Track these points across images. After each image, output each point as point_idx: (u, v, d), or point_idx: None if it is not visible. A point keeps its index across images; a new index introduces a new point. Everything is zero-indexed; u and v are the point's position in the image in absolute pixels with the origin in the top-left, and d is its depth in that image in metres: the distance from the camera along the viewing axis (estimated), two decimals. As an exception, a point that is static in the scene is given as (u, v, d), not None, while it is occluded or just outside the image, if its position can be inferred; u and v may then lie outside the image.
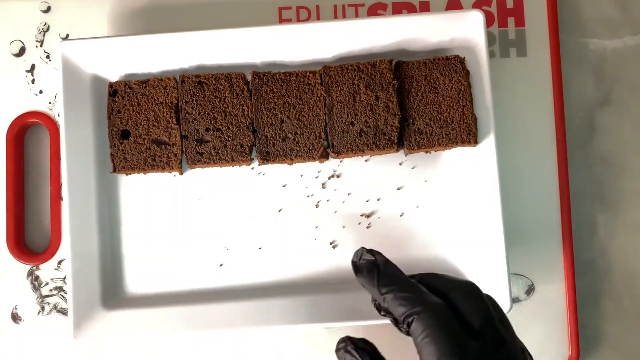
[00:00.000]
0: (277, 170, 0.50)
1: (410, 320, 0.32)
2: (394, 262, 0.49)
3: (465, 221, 0.49)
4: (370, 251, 0.35)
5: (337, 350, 0.34)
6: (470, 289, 0.34)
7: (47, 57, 0.53)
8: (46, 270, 0.52)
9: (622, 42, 0.54)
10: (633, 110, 0.54)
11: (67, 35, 0.53)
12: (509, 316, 0.50)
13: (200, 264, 0.50)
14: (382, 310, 0.34)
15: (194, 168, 0.49)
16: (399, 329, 0.34)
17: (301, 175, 0.50)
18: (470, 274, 0.48)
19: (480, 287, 0.35)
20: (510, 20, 0.53)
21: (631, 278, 0.53)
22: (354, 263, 0.35)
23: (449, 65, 0.48)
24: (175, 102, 0.48)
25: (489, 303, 0.33)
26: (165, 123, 0.48)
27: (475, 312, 0.32)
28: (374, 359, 0.33)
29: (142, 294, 0.50)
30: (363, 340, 0.34)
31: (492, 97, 0.47)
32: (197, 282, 0.50)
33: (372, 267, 0.34)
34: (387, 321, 0.35)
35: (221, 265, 0.50)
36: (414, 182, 0.50)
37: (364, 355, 0.33)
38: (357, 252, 0.35)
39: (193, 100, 0.48)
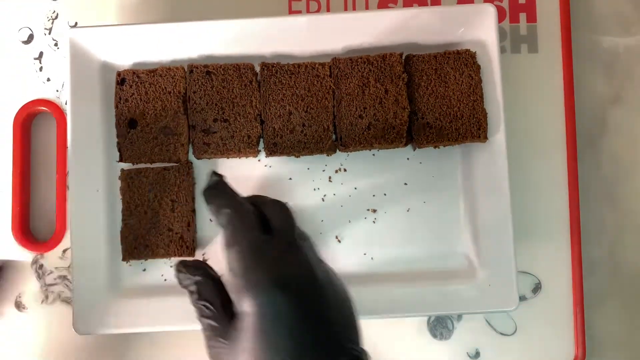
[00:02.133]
0: (284, 163, 0.50)
1: (221, 218, 0.38)
2: (398, 258, 0.49)
3: (473, 218, 0.48)
4: (217, 174, 0.40)
5: (174, 275, 0.39)
6: (281, 204, 0.39)
7: (56, 44, 0.53)
8: (51, 259, 0.52)
9: (635, 40, 0.54)
10: (645, 109, 0.53)
11: (76, 23, 0.53)
12: (515, 314, 0.50)
13: (205, 254, 0.50)
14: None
15: (201, 159, 0.49)
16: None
17: (308, 168, 0.50)
18: (477, 271, 0.48)
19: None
20: (522, 16, 0.53)
21: (639, 277, 0.52)
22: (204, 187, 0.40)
23: (459, 60, 0.47)
24: (183, 91, 0.48)
25: (294, 219, 0.39)
26: (173, 113, 0.48)
27: (278, 219, 0.38)
28: (199, 269, 0.38)
29: (147, 285, 0.49)
30: (194, 260, 0.40)
31: (502, 92, 0.47)
32: (201, 273, 0.49)
33: (213, 186, 0.40)
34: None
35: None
36: (421, 177, 0.50)
37: (189, 269, 0.38)
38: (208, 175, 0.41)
39: (201, 90, 0.48)
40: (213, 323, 0.36)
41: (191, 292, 0.38)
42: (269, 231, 0.37)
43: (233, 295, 0.36)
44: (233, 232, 0.37)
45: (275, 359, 0.32)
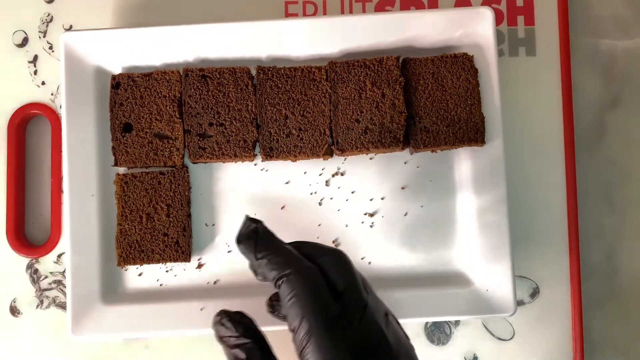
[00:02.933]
0: (280, 167, 0.50)
1: (280, 282, 0.33)
2: (396, 262, 0.49)
3: (471, 222, 0.48)
4: (253, 220, 0.35)
5: (214, 324, 0.34)
6: (338, 255, 0.35)
7: (50, 48, 0.53)
8: (45, 264, 0.52)
9: (633, 43, 0.53)
10: (643, 113, 0.53)
11: (71, 26, 0.53)
12: (513, 319, 0.50)
13: (201, 259, 0.49)
14: (259, 276, 0.35)
15: (196, 163, 0.49)
16: (272, 312, 0.37)
17: (304, 173, 0.50)
18: (475, 276, 0.47)
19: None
20: (520, 19, 0.52)
21: (637, 282, 0.52)
22: (238, 233, 0.35)
23: (457, 63, 0.47)
24: (179, 95, 0.48)
25: (354, 269, 0.34)
26: (168, 117, 0.48)
27: (340, 276, 0.33)
28: (248, 331, 0.34)
29: (142, 290, 0.49)
30: (238, 313, 0.35)
31: (500, 96, 0.47)
32: (198, 278, 0.49)
33: (252, 235, 0.35)
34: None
35: (223, 261, 0.49)
36: (418, 181, 0.49)
37: (237, 326, 0.34)
38: (242, 222, 0.36)
39: (196, 94, 0.47)
40: None
41: (236, 358, 0.33)
42: (334, 293, 0.33)
43: None
44: (298, 303, 0.32)
45: None
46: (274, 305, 0.38)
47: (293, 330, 0.32)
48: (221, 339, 0.34)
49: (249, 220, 0.35)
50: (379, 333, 0.32)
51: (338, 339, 0.31)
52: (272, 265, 0.33)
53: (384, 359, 0.32)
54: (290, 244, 0.36)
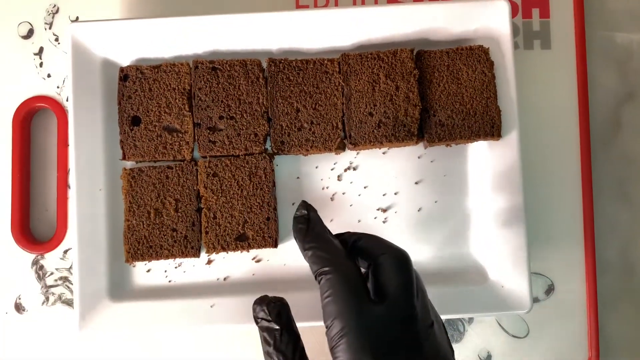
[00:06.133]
0: (291, 161, 0.49)
1: (320, 278, 0.33)
2: (410, 258, 0.48)
3: (486, 218, 0.47)
4: (306, 206, 0.37)
5: (253, 303, 0.36)
6: (400, 257, 0.34)
7: (56, 39, 0.52)
8: (51, 260, 0.51)
9: (649, 36, 0.53)
10: (659, 107, 0.52)
11: (77, 17, 0.52)
12: (527, 316, 0.49)
13: (211, 255, 0.48)
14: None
15: (206, 157, 0.48)
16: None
17: (316, 167, 0.49)
18: (490, 272, 0.47)
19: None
20: (535, 12, 0.52)
21: (654, 279, 0.51)
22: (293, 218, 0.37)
23: (472, 56, 0.46)
24: (188, 88, 0.47)
25: (411, 272, 0.33)
26: (177, 110, 0.47)
27: (391, 278, 0.33)
28: (280, 317, 0.35)
29: (151, 286, 0.48)
30: (278, 299, 0.36)
31: (516, 89, 0.46)
32: (208, 274, 0.48)
33: (303, 222, 0.36)
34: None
35: (233, 257, 0.48)
36: (432, 176, 0.48)
37: (272, 311, 0.35)
38: (298, 206, 0.38)
39: (206, 86, 0.46)
40: None
41: (265, 340, 0.34)
42: (379, 294, 0.32)
43: None
44: (333, 301, 0.32)
45: None
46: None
47: (327, 327, 0.32)
48: (256, 319, 0.35)
49: (304, 205, 0.36)
50: (414, 344, 0.31)
51: (371, 342, 0.30)
52: (314, 259, 0.34)
53: None
54: (352, 235, 0.36)
